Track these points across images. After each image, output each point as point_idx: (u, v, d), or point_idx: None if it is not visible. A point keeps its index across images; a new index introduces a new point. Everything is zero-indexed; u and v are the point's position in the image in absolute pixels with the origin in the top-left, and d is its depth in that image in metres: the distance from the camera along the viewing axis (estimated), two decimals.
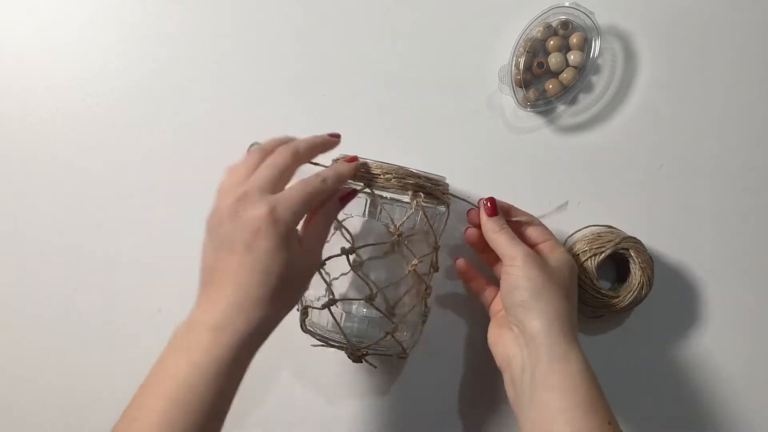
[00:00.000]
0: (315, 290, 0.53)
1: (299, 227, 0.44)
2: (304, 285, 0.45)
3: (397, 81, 0.62)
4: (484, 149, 0.61)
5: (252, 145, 0.48)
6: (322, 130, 0.61)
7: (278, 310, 0.41)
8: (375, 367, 0.56)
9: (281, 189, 0.42)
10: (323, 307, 0.49)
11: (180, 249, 0.61)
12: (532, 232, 0.53)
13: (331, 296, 0.50)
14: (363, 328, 0.54)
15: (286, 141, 0.46)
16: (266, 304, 0.39)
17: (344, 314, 0.54)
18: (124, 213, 0.61)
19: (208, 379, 0.37)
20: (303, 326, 0.53)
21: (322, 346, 0.53)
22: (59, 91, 0.62)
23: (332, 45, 0.62)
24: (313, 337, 0.53)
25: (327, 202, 0.46)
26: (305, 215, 0.44)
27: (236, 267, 0.39)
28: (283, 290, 0.40)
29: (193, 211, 0.60)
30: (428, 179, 0.50)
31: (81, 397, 0.60)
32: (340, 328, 0.50)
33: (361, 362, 0.53)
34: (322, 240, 0.46)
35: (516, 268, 0.47)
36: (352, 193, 0.47)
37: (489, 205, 0.51)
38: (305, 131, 0.61)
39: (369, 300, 0.49)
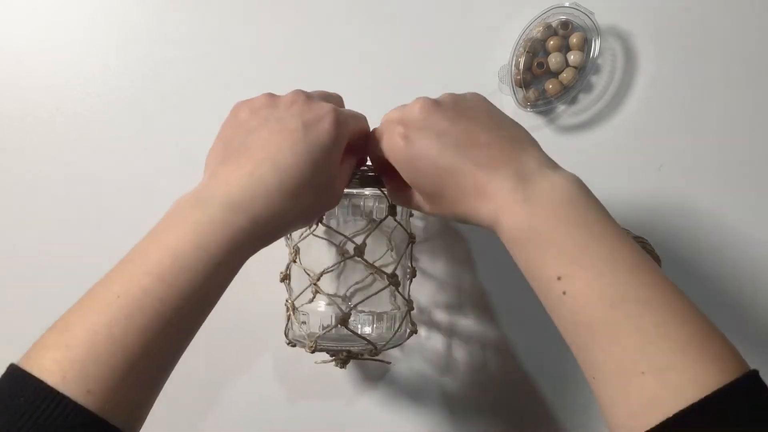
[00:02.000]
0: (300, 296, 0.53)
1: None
2: (325, 205, 0.41)
3: (397, 81, 0.62)
4: None
5: None
6: None
7: (298, 212, 0.37)
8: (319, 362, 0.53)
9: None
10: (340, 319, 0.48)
11: None
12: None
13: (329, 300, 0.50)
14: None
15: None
16: (292, 196, 0.36)
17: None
18: (125, 213, 0.61)
19: (210, 264, 0.33)
20: (309, 344, 0.49)
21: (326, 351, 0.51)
22: (59, 91, 0.62)
23: (332, 44, 0.62)
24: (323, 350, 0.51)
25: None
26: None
27: (278, 145, 0.36)
28: (312, 189, 0.37)
29: None
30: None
31: None
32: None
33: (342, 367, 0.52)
34: (346, 181, 0.43)
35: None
36: (363, 160, 0.47)
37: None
38: None
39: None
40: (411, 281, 0.55)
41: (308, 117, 0.37)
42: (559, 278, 0.33)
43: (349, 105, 0.61)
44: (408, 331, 0.53)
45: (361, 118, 0.44)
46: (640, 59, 0.62)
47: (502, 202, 0.36)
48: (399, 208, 0.52)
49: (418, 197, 0.42)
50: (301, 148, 0.36)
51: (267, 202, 0.35)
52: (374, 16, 0.62)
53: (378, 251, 0.55)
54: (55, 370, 0.30)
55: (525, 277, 0.36)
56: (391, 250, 0.55)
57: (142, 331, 0.31)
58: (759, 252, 0.61)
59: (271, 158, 0.36)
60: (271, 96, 0.40)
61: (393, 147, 0.40)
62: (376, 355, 0.50)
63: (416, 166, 0.39)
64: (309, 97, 0.40)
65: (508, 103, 0.61)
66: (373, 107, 0.62)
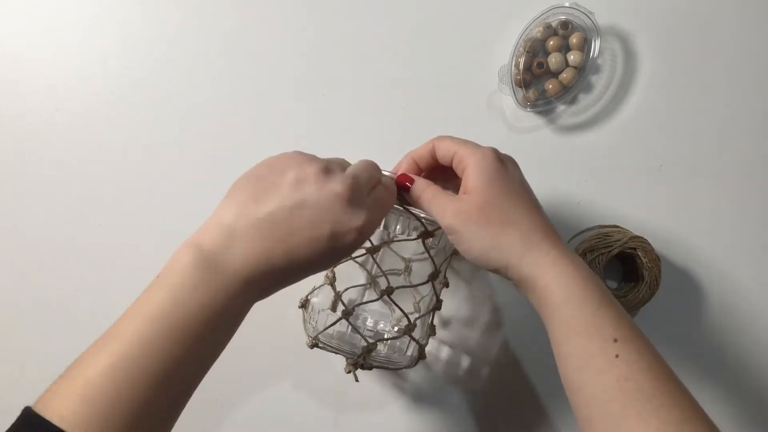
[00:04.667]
0: (322, 298, 0.53)
1: None
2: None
3: (397, 81, 0.62)
4: None
5: None
6: (323, 130, 0.62)
7: (305, 276, 0.39)
8: (357, 381, 0.54)
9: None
10: (343, 316, 0.50)
11: None
12: (441, 155, 0.45)
13: (343, 307, 0.51)
14: (355, 342, 0.53)
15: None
16: (300, 275, 0.38)
17: (350, 327, 0.54)
18: (125, 212, 0.61)
19: (220, 321, 0.35)
20: (310, 340, 0.52)
21: (328, 350, 0.52)
22: (59, 91, 0.62)
23: (332, 44, 0.62)
24: (325, 349, 0.52)
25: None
26: None
27: (299, 239, 0.36)
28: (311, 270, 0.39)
29: (193, 211, 0.61)
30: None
31: None
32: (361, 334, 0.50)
33: (350, 373, 0.52)
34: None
35: (450, 236, 0.43)
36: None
37: (407, 184, 0.45)
38: (305, 131, 0.62)
39: (386, 294, 0.49)
40: (434, 313, 0.54)
41: (338, 228, 0.37)
42: (615, 340, 0.37)
43: (350, 105, 0.62)
44: (416, 356, 0.53)
45: (386, 202, 0.42)
46: (640, 59, 0.62)
47: (554, 259, 0.39)
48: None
49: (451, 209, 0.42)
50: (319, 251, 0.37)
51: (275, 280, 0.37)
52: (374, 17, 0.62)
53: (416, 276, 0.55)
54: (78, 422, 0.32)
55: (562, 338, 0.38)
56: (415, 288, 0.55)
57: (153, 379, 0.33)
58: (759, 251, 0.61)
59: (289, 248, 0.36)
60: (324, 174, 0.38)
61: (486, 160, 0.42)
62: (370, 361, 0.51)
63: (499, 185, 0.41)
64: (355, 192, 0.38)
65: (508, 103, 0.61)
66: (373, 106, 0.62)
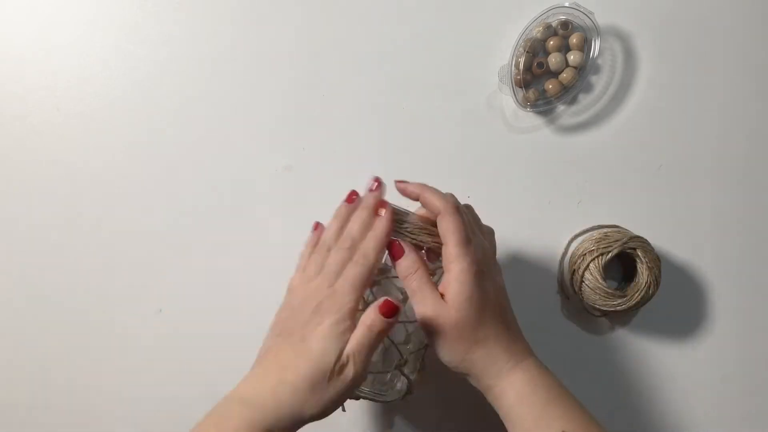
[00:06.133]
0: None
1: None
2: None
3: (396, 81, 0.62)
4: (484, 149, 0.61)
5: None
6: (323, 131, 0.62)
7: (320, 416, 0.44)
8: (344, 411, 0.54)
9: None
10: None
11: (180, 249, 0.61)
12: (429, 244, 0.48)
13: None
14: None
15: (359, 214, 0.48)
16: (312, 416, 0.42)
17: None
18: (124, 213, 0.61)
19: None
20: None
21: None
22: (59, 91, 0.62)
23: (332, 45, 0.62)
24: None
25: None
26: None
27: (303, 380, 0.42)
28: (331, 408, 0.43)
29: (192, 211, 0.61)
30: None
31: (82, 397, 0.60)
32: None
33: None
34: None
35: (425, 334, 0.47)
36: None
37: (393, 247, 0.48)
38: (305, 131, 0.62)
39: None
40: (426, 349, 0.52)
41: (336, 367, 0.42)
42: None
43: (349, 105, 0.62)
44: (404, 391, 0.52)
45: (371, 339, 0.44)
46: (640, 59, 0.62)
47: (509, 371, 0.45)
48: None
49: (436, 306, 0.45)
50: (320, 394, 0.42)
51: (290, 419, 0.42)
52: (375, 17, 0.62)
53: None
54: None
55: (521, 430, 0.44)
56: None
57: None
58: (759, 251, 0.61)
59: (296, 388, 0.42)
60: (316, 306, 0.44)
61: (465, 275, 0.44)
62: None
63: (475, 305, 0.44)
64: (348, 325, 0.43)
65: (507, 103, 0.61)
66: (373, 106, 0.62)
